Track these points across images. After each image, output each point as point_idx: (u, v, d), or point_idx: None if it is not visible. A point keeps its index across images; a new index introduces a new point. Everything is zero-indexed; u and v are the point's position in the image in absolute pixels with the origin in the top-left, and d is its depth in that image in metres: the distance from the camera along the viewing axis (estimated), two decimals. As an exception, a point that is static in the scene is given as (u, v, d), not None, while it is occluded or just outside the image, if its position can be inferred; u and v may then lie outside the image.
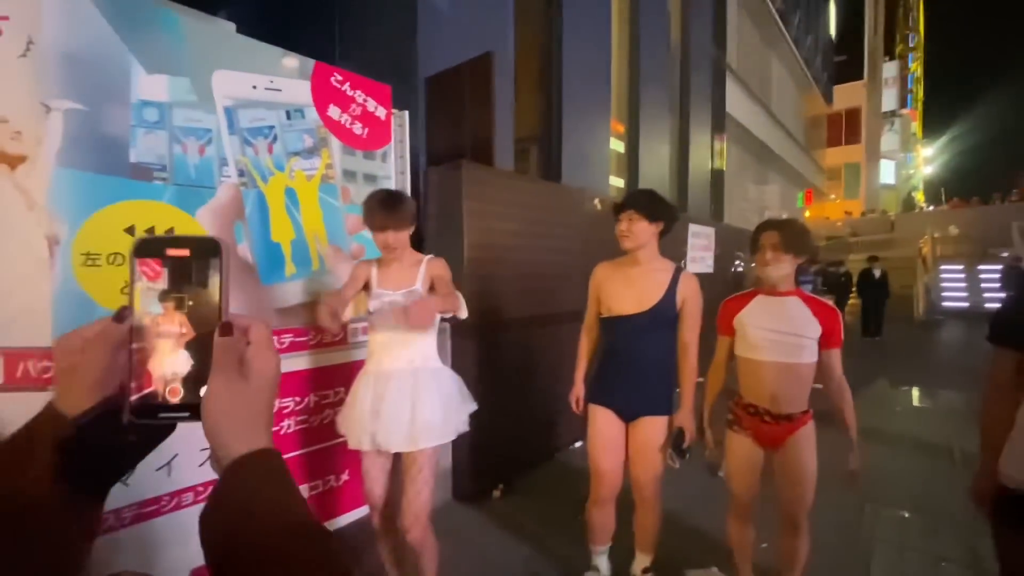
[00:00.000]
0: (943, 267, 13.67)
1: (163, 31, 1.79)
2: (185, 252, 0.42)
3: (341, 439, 1.91)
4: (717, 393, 2.00)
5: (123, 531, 1.67)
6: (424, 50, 3.20)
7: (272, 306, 2.07)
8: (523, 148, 5.06)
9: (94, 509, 0.44)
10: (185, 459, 1.82)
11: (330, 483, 2.29)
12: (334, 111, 2.27)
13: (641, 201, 1.90)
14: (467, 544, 2.44)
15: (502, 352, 3.02)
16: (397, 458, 1.84)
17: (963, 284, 13.38)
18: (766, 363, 1.80)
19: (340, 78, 2.29)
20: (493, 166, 2.97)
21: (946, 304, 13.14)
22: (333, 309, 1.75)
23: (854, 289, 9.80)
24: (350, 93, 2.33)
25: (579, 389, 2.10)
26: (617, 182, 6.66)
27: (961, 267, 13.53)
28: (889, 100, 35.99)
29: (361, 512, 2.35)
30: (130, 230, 1.70)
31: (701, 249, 5.89)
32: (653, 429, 1.91)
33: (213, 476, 0.41)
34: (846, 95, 28.62)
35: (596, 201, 3.83)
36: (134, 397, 0.41)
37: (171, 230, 1.77)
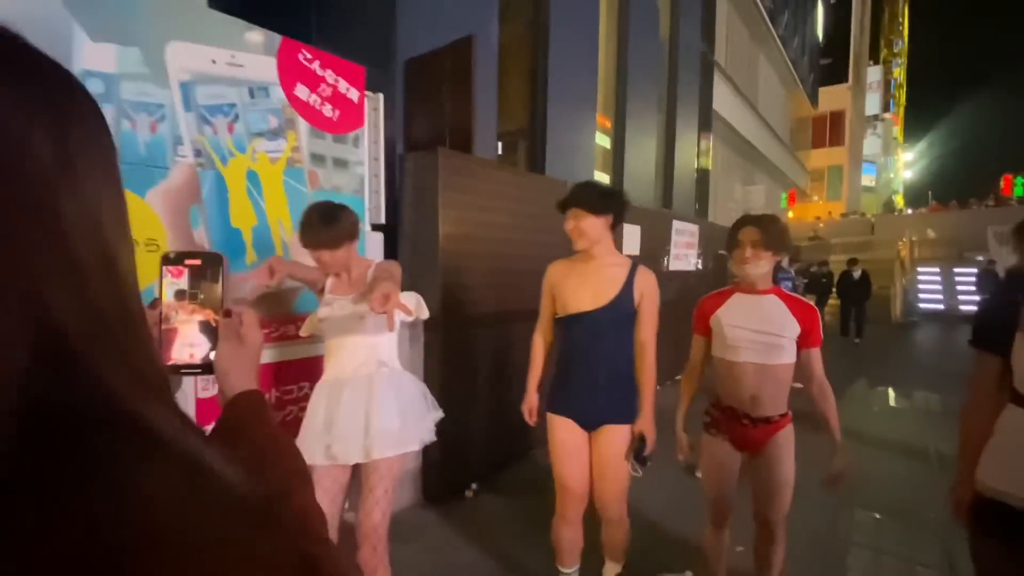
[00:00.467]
0: (920, 269, 13.90)
1: (110, -5, 1.65)
2: (198, 261, 0.60)
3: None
4: (693, 395, 1.93)
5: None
6: (404, 33, 3.07)
7: (231, 295, 1.95)
8: (511, 141, 4.96)
9: None
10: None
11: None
12: (302, 91, 2.15)
13: (583, 196, 1.76)
14: (436, 548, 2.36)
15: (477, 347, 2.93)
16: (357, 471, 1.73)
17: (939, 287, 13.63)
18: (744, 364, 1.74)
19: (309, 56, 2.17)
20: (472, 154, 2.86)
21: (922, 306, 13.38)
22: (274, 267, 1.63)
23: (834, 290, 9.89)
24: (320, 72, 2.21)
25: (532, 399, 1.94)
26: (603, 177, 6.58)
27: (937, 270, 13.78)
28: (872, 104, 36.57)
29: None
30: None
31: (684, 246, 5.85)
32: (618, 438, 1.77)
33: None
34: (831, 98, 28.92)
35: None
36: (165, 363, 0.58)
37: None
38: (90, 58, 1.62)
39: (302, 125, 2.16)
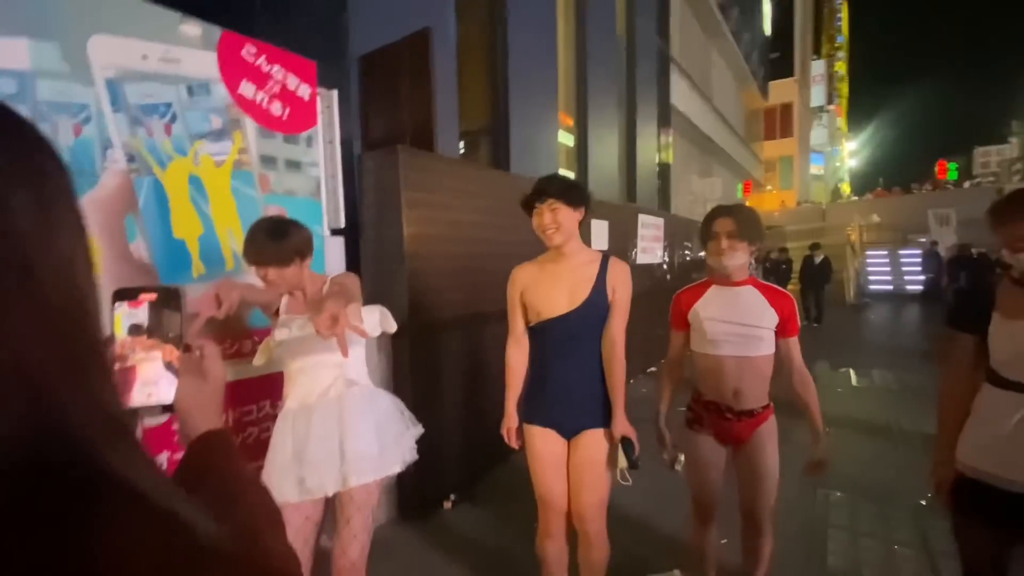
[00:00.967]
0: (869, 253, 14.58)
1: (17, -18, 1.47)
2: (154, 295, 0.56)
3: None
4: (673, 392, 1.89)
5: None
6: (356, 26, 2.93)
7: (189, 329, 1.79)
8: (474, 139, 4.86)
9: None
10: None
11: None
12: (248, 88, 1.99)
13: (559, 186, 1.65)
14: (415, 565, 2.25)
15: (449, 351, 2.83)
16: (330, 500, 1.59)
17: (887, 268, 14.32)
18: (725, 358, 1.71)
19: (254, 50, 2.01)
20: (434, 152, 2.75)
21: (872, 287, 14.05)
22: (221, 296, 1.35)
23: (794, 276, 10.22)
24: (267, 68, 2.06)
25: (512, 420, 1.77)
26: (568, 174, 6.57)
27: (885, 252, 14.48)
28: (817, 96, 38.15)
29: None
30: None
31: (651, 239, 5.89)
32: (597, 444, 1.66)
33: None
34: (780, 91, 30.02)
35: None
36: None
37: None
38: (-2, 54, 1.44)
39: (249, 125, 2.00)
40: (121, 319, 0.56)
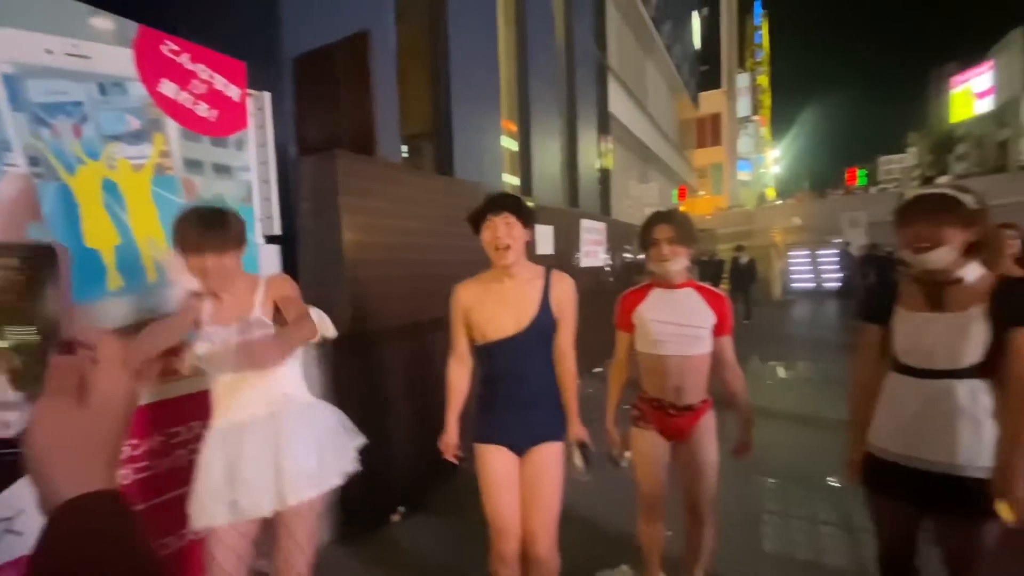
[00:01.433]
0: (791, 253, 15.68)
1: None
2: (12, 262, 0.37)
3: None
4: (621, 389, 1.95)
5: None
6: (289, 26, 2.83)
7: (76, 319, 1.64)
8: (417, 144, 4.80)
9: None
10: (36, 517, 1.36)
11: (186, 539, 1.89)
12: (168, 87, 1.87)
13: (515, 201, 1.62)
14: (364, 582, 2.18)
15: (394, 361, 2.77)
16: (263, 526, 1.50)
17: (808, 267, 15.45)
18: (668, 357, 1.78)
19: (175, 47, 1.89)
20: (375, 156, 2.69)
21: (795, 285, 15.11)
22: (149, 350, 1.28)
23: (725, 276, 10.80)
24: (190, 67, 1.94)
25: (452, 435, 1.77)
26: (512, 179, 6.62)
27: (806, 253, 15.62)
28: (743, 107, 40.72)
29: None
30: None
31: (594, 243, 6.04)
32: (550, 458, 1.66)
33: None
34: (710, 101, 31.74)
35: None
36: None
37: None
38: None
39: (171, 127, 1.88)
40: None
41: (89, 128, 1.66)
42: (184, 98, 1.91)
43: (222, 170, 2.04)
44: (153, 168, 1.82)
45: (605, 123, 10.34)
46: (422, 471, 2.90)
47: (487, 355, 1.70)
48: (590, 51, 9.40)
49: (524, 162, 6.82)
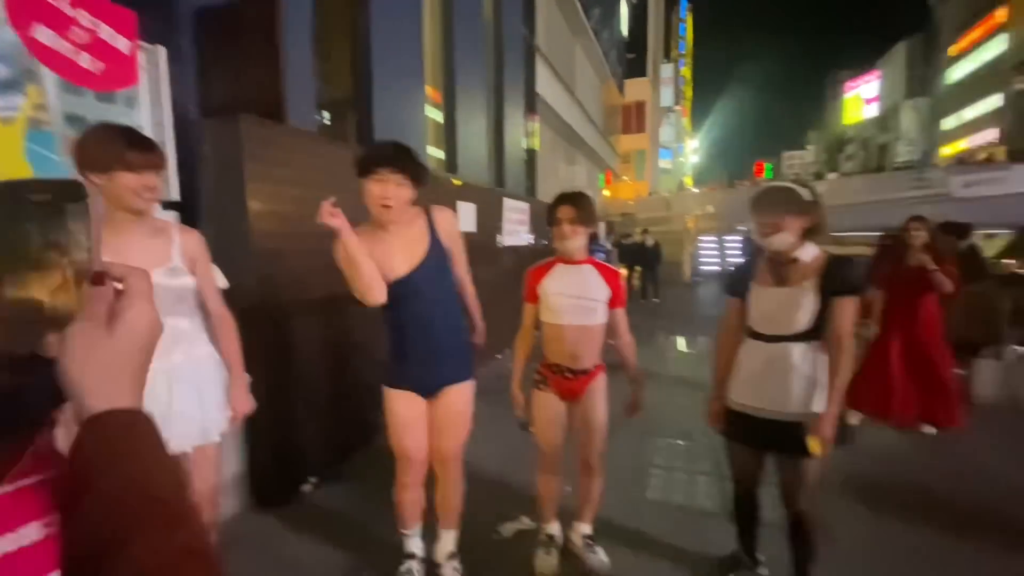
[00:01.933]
0: (701, 239, 16.88)
1: None
2: (46, 197, 0.38)
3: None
4: (526, 357, 2.10)
5: None
6: (189, -24, 2.63)
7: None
8: (340, 111, 4.63)
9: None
10: None
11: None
12: (44, 33, 1.72)
13: (403, 160, 1.61)
14: (273, 547, 2.20)
15: (306, 336, 2.74)
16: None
17: (715, 252, 16.71)
18: (567, 326, 1.95)
19: (51, -11, 1.73)
20: (285, 123, 2.61)
21: (703, 268, 16.32)
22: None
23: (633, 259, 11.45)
24: (70, 13, 1.79)
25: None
26: (437, 153, 6.57)
27: (715, 238, 16.87)
28: (666, 97, 42.52)
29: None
30: None
31: (516, 223, 6.19)
32: (460, 398, 1.84)
33: None
34: (635, 89, 32.87)
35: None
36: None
37: None
38: None
39: (49, 77, 1.74)
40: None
41: (-55, 72, 1.51)
42: (63, 46, 1.76)
43: (110, 128, 1.91)
44: (27, 122, 1.68)
45: (532, 103, 10.44)
46: (334, 444, 2.93)
47: (392, 300, 1.70)
48: (518, 30, 9.41)
49: (449, 134, 6.77)
